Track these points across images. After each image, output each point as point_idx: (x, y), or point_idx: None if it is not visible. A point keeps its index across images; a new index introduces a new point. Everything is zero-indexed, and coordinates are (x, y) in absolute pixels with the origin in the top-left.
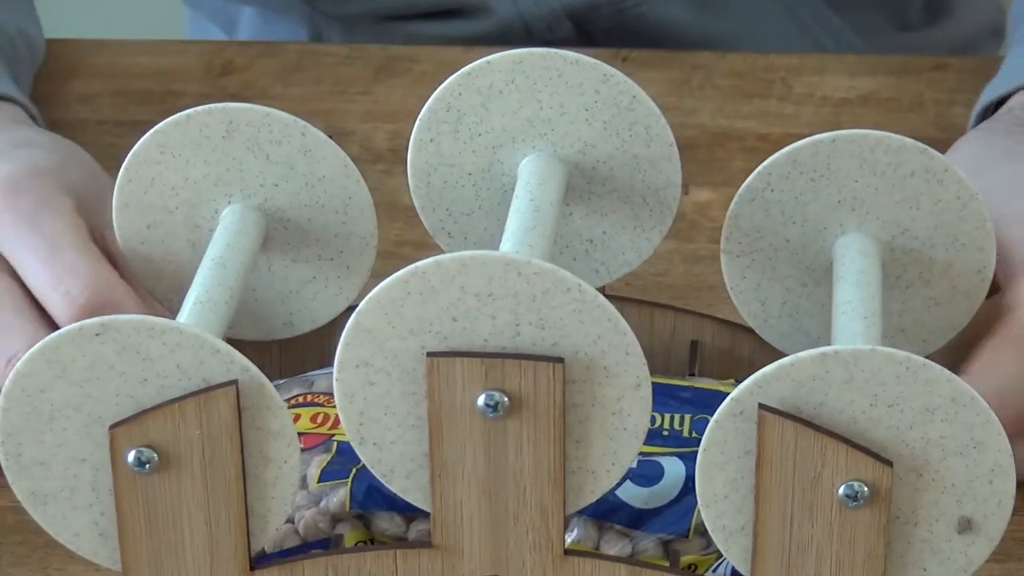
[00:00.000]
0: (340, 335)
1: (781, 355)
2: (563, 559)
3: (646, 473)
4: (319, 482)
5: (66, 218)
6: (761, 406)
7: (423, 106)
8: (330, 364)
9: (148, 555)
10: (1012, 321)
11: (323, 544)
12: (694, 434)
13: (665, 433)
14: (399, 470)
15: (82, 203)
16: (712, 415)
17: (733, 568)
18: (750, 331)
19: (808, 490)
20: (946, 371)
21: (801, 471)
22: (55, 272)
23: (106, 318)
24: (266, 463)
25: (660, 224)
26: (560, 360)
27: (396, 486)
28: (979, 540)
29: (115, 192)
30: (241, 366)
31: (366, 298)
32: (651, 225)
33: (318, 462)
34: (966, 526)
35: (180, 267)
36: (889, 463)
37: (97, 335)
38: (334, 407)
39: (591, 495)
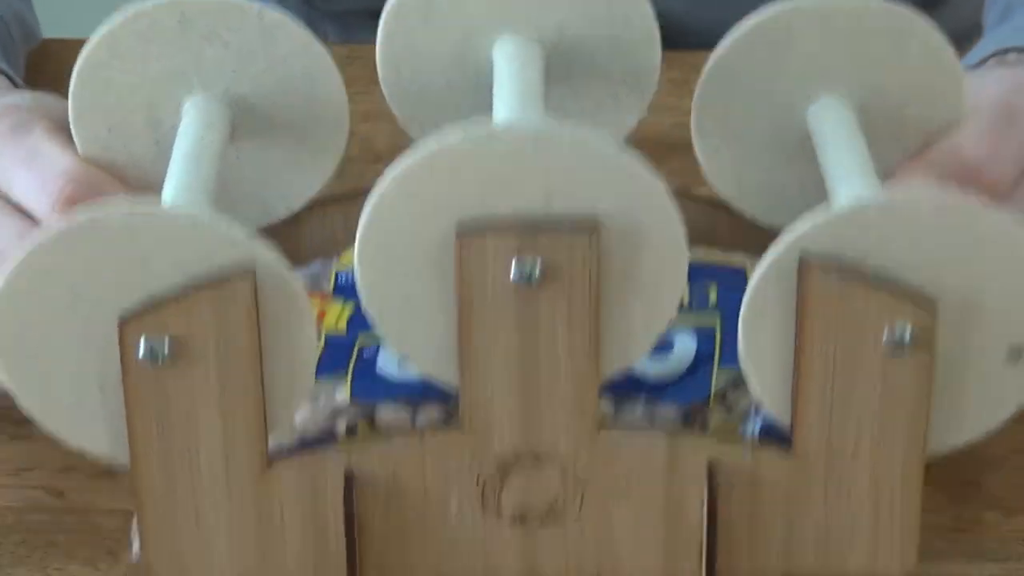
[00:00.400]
0: (311, 230)
1: (763, 230)
2: (598, 432)
3: (657, 348)
4: (316, 378)
5: (45, 132)
6: (802, 258)
7: None
8: (303, 263)
9: (159, 456)
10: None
11: (323, 440)
12: (694, 302)
13: None
14: (425, 354)
15: (60, 127)
16: (710, 284)
17: (758, 431)
18: (728, 209)
19: (851, 343)
20: (980, 206)
21: (844, 322)
22: (39, 174)
23: (97, 212)
24: (283, 344)
25: (638, 104)
26: (596, 227)
27: (422, 368)
28: None
29: (70, 100)
30: (245, 243)
31: (389, 176)
32: (629, 106)
33: None
34: (1018, 355)
35: (145, 169)
36: (933, 305)
37: (87, 231)
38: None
39: (626, 360)
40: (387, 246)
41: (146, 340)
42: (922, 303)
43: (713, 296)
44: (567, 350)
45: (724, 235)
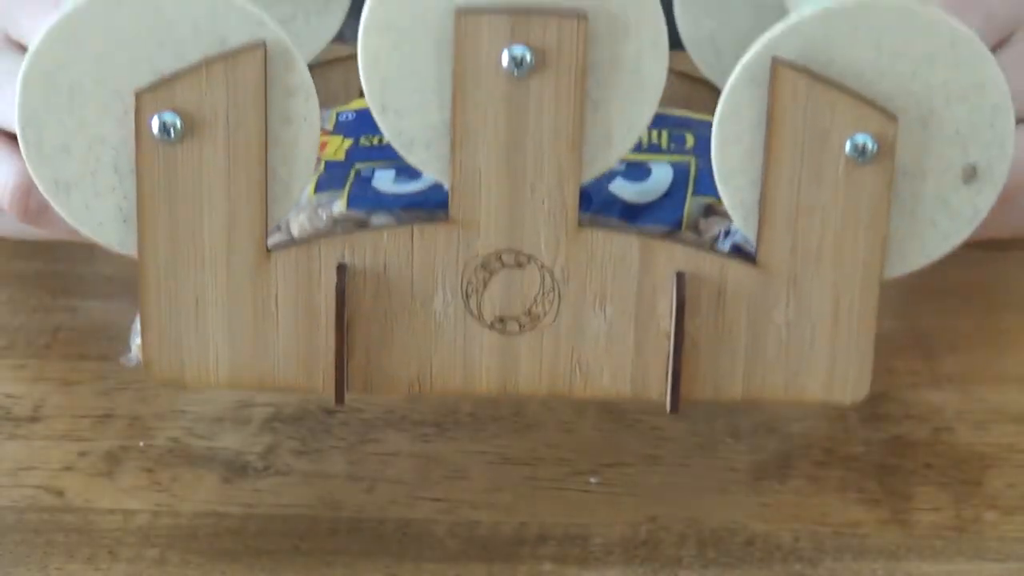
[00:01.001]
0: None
1: None
2: (577, 230)
3: (635, 173)
4: (315, 193)
5: None
6: (775, 60)
7: None
8: None
9: (165, 231)
10: None
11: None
12: (672, 145)
13: (645, 146)
14: (420, 139)
15: None
16: (687, 132)
17: (729, 249)
18: (707, 83)
19: (817, 148)
20: (945, 15)
21: (811, 128)
22: None
23: None
24: (287, 122)
25: None
26: (584, 16)
27: (415, 157)
28: (985, 188)
29: None
30: (256, 19)
31: None
32: None
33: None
34: (971, 174)
35: None
36: (894, 116)
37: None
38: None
39: (605, 163)
40: (392, 21)
41: (158, 114)
42: (886, 113)
43: (690, 142)
44: (552, 140)
45: (700, 107)
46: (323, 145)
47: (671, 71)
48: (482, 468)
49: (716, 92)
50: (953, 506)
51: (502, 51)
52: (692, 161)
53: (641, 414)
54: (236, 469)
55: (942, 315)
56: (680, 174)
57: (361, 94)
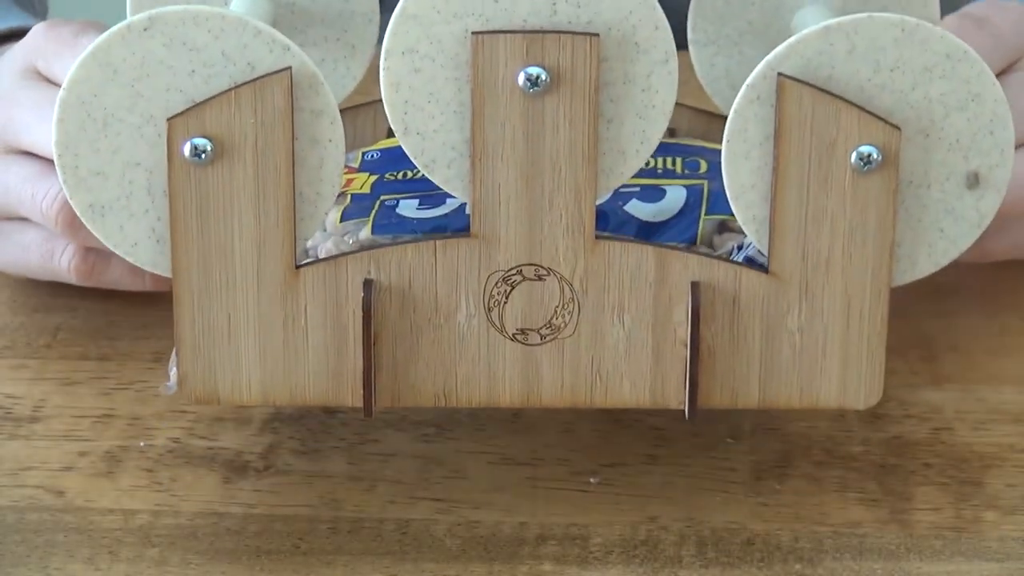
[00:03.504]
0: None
1: None
2: (594, 243)
3: (650, 194)
4: (341, 222)
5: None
6: (780, 75)
7: None
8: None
9: (198, 252)
10: None
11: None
12: (686, 171)
13: (660, 171)
14: (441, 159)
15: None
16: (700, 159)
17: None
18: (723, 118)
19: (823, 159)
20: (938, 29)
21: (817, 139)
22: None
23: (153, 11)
24: (313, 144)
25: None
26: (596, 35)
27: (438, 176)
28: (987, 193)
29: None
30: (283, 46)
31: None
32: None
33: (336, 209)
34: (974, 181)
35: None
36: (897, 127)
37: (145, 29)
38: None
39: (620, 177)
40: (411, 46)
41: (189, 139)
42: (889, 123)
43: (704, 167)
44: (568, 157)
45: (717, 140)
46: (349, 181)
47: (689, 108)
48: (482, 468)
49: None
50: (953, 506)
51: (518, 71)
52: (705, 184)
53: (641, 414)
54: (236, 469)
55: (942, 315)
56: (694, 195)
57: (388, 134)
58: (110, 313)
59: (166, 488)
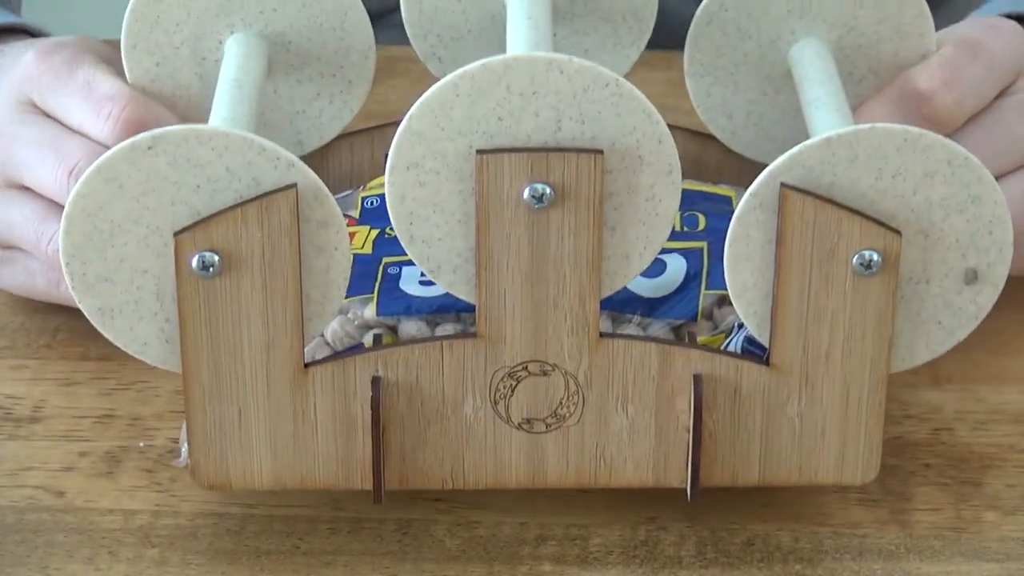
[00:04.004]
0: (340, 161)
1: (748, 160)
2: (599, 341)
3: (650, 267)
4: (346, 297)
5: (96, 64)
6: (783, 185)
7: None
8: (333, 191)
9: (208, 356)
10: (895, 81)
11: (352, 351)
12: (685, 228)
13: None
14: (446, 265)
15: (106, 61)
16: (699, 212)
17: (741, 343)
18: (717, 140)
19: (825, 262)
20: (940, 136)
21: (819, 244)
22: (95, 102)
23: (156, 131)
24: (319, 252)
25: (638, 40)
26: (600, 152)
27: (443, 280)
28: (985, 288)
29: (123, 34)
30: (287, 161)
31: (417, 103)
32: (629, 42)
33: None
34: (972, 277)
35: (190, 100)
36: (898, 232)
37: (149, 148)
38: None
39: (624, 279)
40: (416, 161)
41: (198, 253)
42: (890, 228)
43: (702, 223)
44: (573, 265)
45: (712, 164)
46: (351, 236)
47: (683, 130)
48: None
49: (725, 150)
50: (953, 506)
51: (523, 188)
52: (704, 249)
53: None
54: None
55: None
56: (693, 265)
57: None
58: None
59: (166, 488)
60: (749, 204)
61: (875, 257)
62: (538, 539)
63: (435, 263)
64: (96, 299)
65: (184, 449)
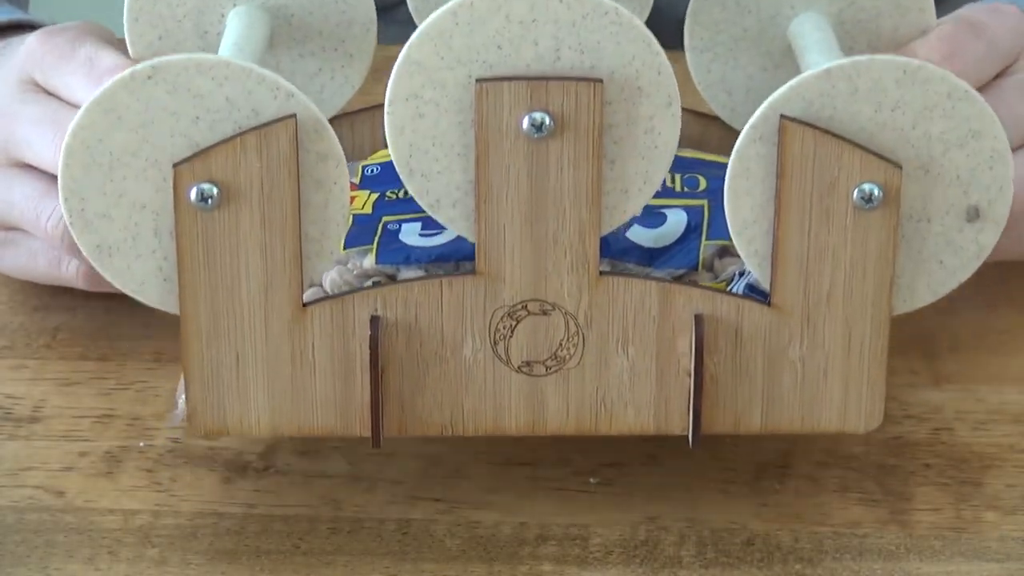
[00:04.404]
0: (341, 137)
1: None
2: (598, 279)
3: (651, 219)
4: (345, 249)
5: (98, 42)
6: (783, 117)
7: None
8: None
9: (206, 294)
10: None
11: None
12: (685, 188)
13: (659, 190)
14: (445, 199)
15: (109, 42)
16: (699, 175)
17: (743, 291)
18: (718, 119)
19: (825, 196)
20: (940, 69)
21: (819, 178)
22: (96, 77)
23: (156, 60)
24: (318, 187)
25: (639, 15)
26: (599, 80)
27: (442, 216)
28: (987, 226)
29: (125, 7)
30: (287, 91)
31: (416, 32)
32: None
33: None
34: (974, 214)
35: None
36: (898, 166)
37: (149, 78)
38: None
39: (624, 215)
40: (415, 91)
41: (196, 184)
42: (890, 161)
43: (703, 184)
44: (572, 198)
45: (713, 145)
46: (351, 199)
47: (685, 111)
48: (482, 468)
49: (728, 129)
50: (953, 506)
51: (522, 116)
52: (705, 205)
53: None
54: (236, 469)
55: (942, 314)
56: (694, 218)
57: (387, 144)
58: (110, 313)
59: (166, 488)
60: (749, 137)
61: (876, 191)
62: (538, 539)
63: (434, 197)
64: (94, 235)
65: (181, 400)
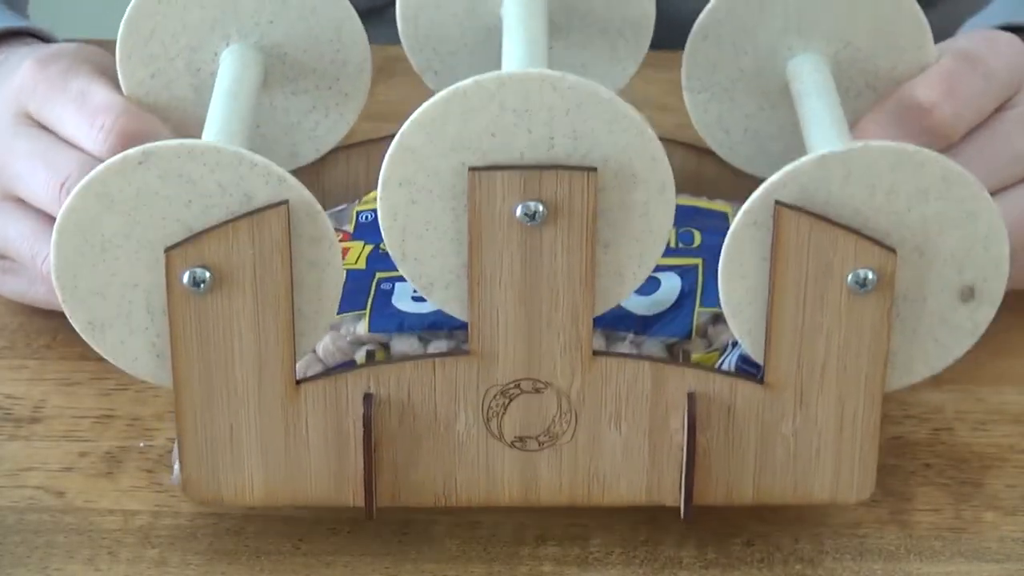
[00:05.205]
0: (335, 175)
1: (745, 175)
2: (592, 359)
3: (644, 286)
4: (339, 313)
5: (91, 75)
6: (778, 203)
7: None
8: (327, 205)
9: (199, 371)
10: (894, 93)
11: (344, 367)
12: (680, 245)
13: None
14: (439, 282)
15: (104, 72)
16: (694, 228)
17: (736, 362)
18: (714, 154)
19: (819, 281)
20: (934, 153)
21: (813, 263)
22: (88, 113)
23: (147, 146)
24: (311, 267)
25: (635, 54)
26: (593, 169)
27: (436, 297)
28: (982, 305)
29: (117, 45)
30: (278, 177)
31: (409, 119)
32: (626, 55)
33: None
34: (969, 294)
35: (185, 112)
36: (893, 250)
37: (140, 163)
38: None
39: (617, 296)
40: (408, 178)
41: (189, 268)
42: (884, 246)
43: (697, 240)
44: (566, 282)
45: (709, 179)
46: (345, 251)
47: (681, 144)
48: None
49: (722, 164)
50: (953, 506)
51: (516, 205)
52: (699, 265)
53: None
54: None
55: None
56: (688, 283)
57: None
58: None
59: (166, 488)
60: (744, 221)
61: (870, 275)
62: (538, 539)
63: (428, 280)
64: (87, 313)
65: (177, 467)
